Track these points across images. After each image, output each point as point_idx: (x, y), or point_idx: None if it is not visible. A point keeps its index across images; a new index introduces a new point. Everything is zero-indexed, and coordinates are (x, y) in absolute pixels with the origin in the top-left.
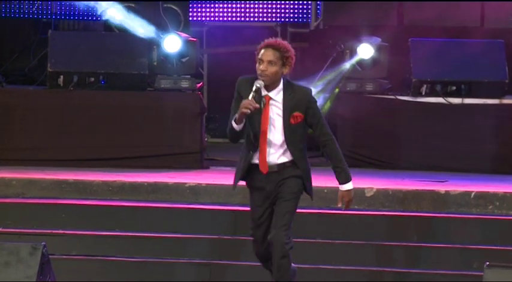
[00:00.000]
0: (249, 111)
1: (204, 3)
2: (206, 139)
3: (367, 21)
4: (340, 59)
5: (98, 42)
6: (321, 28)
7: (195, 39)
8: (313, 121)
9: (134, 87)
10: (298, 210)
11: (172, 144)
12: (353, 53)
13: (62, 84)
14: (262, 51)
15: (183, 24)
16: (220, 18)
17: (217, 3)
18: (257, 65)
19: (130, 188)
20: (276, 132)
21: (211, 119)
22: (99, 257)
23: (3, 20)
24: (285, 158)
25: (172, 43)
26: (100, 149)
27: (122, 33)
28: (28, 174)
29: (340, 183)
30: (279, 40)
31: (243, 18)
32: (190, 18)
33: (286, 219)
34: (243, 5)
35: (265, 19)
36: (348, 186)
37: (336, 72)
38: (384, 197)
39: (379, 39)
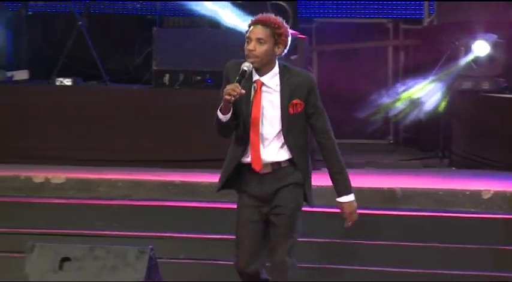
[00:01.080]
0: (232, 98)
1: None
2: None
3: (482, 17)
4: (455, 56)
5: (204, 39)
6: (435, 24)
7: (304, 37)
8: (312, 111)
9: None
10: (413, 213)
11: None
12: (468, 50)
13: (167, 83)
14: (251, 28)
15: (291, 21)
16: (330, 15)
17: None
18: (245, 45)
19: None
20: (268, 124)
21: None
22: (207, 261)
23: (107, 17)
24: (281, 156)
25: None
26: (207, 150)
27: (229, 31)
28: (134, 176)
29: (340, 195)
30: (270, 15)
31: (353, 15)
32: (299, 15)
33: (290, 243)
34: (353, 1)
35: (376, 15)
36: (350, 197)
37: (451, 70)
38: (501, 200)
39: (495, 36)
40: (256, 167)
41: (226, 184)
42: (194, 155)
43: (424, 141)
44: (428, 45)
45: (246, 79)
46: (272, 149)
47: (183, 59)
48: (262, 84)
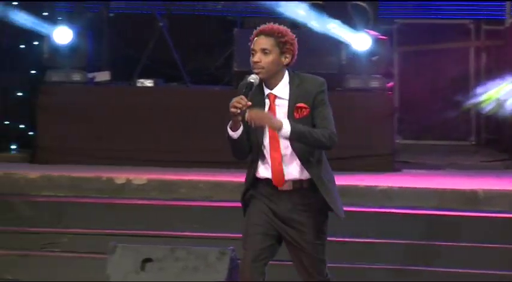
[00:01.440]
0: (238, 110)
1: None
2: (397, 141)
3: None
4: None
5: None
6: None
7: (385, 38)
8: (315, 112)
9: None
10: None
11: (362, 146)
12: None
13: None
14: (254, 40)
15: (371, 21)
16: (411, 16)
17: None
18: (250, 58)
19: None
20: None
21: (403, 119)
22: (288, 262)
23: (188, 17)
24: (302, 173)
25: (362, 41)
26: None
27: (310, 32)
28: (215, 177)
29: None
30: (273, 24)
31: (434, 15)
32: (380, 16)
33: (322, 266)
34: (435, 2)
35: (458, 16)
36: (286, 126)
37: None
38: None
39: None
40: (278, 184)
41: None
42: None
43: (506, 143)
44: (510, 46)
45: (254, 92)
46: (291, 165)
47: None
48: (275, 97)
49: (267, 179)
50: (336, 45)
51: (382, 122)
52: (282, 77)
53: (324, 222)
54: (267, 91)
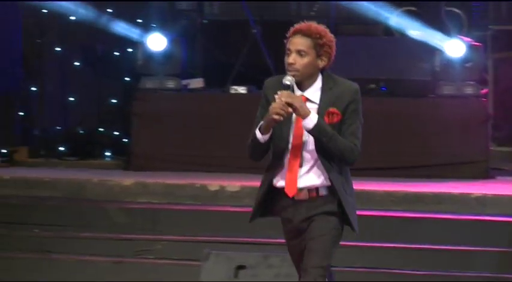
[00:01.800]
0: (281, 117)
1: (488, 5)
2: (492, 148)
3: None
4: None
5: (378, 47)
6: None
7: (479, 44)
8: (345, 123)
9: (416, 94)
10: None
11: (456, 153)
12: None
13: None
14: (290, 39)
15: (465, 28)
16: (506, 22)
17: (503, 4)
18: (285, 57)
19: (414, 199)
20: (311, 144)
21: (497, 126)
22: (383, 270)
23: (281, 24)
24: (319, 181)
25: (456, 48)
26: (380, 158)
27: (403, 38)
28: None
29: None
30: (312, 24)
31: None
32: (474, 22)
33: (323, 258)
34: None
35: None
36: (313, 117)
37: None
38: None
39: None
40: (290, 193)
41: (260, 212)
42: (367, 163)
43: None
44: None
45: None
46: (310, 173)
47: (357, 67)
48: (307, 99)
49: (281, 188)
50: (429, 51)
51: (476, 129)
52: (316, 79)
53: (338, 225)
54: (297, 92)
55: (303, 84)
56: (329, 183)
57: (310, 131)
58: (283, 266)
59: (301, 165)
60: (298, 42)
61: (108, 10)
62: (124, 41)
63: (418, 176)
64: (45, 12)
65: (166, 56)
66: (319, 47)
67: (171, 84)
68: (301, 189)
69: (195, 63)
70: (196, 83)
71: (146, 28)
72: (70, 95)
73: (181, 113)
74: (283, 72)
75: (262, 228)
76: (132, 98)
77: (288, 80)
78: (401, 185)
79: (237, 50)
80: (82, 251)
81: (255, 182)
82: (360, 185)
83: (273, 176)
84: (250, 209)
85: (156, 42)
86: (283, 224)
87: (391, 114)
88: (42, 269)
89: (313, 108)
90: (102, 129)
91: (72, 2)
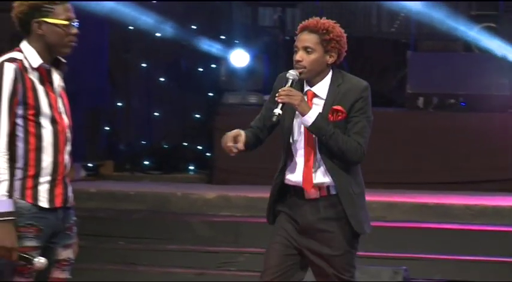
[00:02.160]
0: (286, 100)
1: None
2: None
3: None
4: None
5: (457, 63)
6: None
7: None
8: (351, 121)
9: (495, 109)
10: None
11: None
12: None
13: (421, 106)
14: (298, 36)
15: None
16: None
17: None
18: (294, 55)
19: (492, 212)
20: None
21: None
22: None
23: (363, 40)
24: (328, 179)
25: None
26: (459, 172)
27: (483, 54)
28: (389, 198)
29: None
30: (319, 19)
31: None
32: None
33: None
34: None
35: None
36: (313, 113)
37: None
38: None
39: None
40: (307, 187)
41: (274, 212)
42: (447, 177)
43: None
44: None
45: (294, 88)
46: (321, 169)
47: (437, 82)
48: (314, 95)
49: (294, 186)
50: (508, 67)
51: None
52: (325, 76)
53: (354, 235)
54: (306, 87)
55: (312, 81)
56: (333, 183)
57: (308, 129)
58: (363, 277)
59: (315, 158)
60: (304, 39)
61: (192, 27)
62: (208, 57)
63: (496, 190)
64: (131, 29)
65: (249, 71)
66: (326, 42)
67: (253, 99)
68: (315, 186)
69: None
70: None
71: (229, 44)
72: (155, 110)
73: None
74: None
75: None
76: (215, 113)
77: (291, 74)
78: (479, 199)
79: None
80: (166, 263)
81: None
82: (438, 199)
83: (284, 174)
84: None
85: (239, 58)
86: (282, 221)
87: (469, 129)
88: (127, 280)
89: (320, 104)
90: (186, 144)
91: (157, 18)
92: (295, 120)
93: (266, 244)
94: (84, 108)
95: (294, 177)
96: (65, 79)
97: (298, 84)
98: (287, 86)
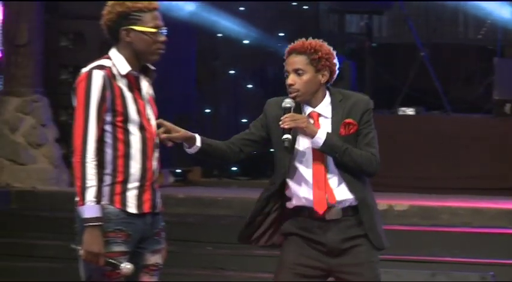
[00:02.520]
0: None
1: None
2: None
3: None
4: None
5: None
6: None
7: None
8: (361, 131)
9: None
10: None
11: None
12: None
13: (508, 112)
14: (287, 60)
15: None
16: None
17: None
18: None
19: None
20: (329, 160)
21: None
22: None
23: (449, 47)
24: (347, 196)
25: None
26: None
27: None
28: (475, 203)
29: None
30: (305, 40)
31: None
32: None
33: None
34: None
35: None
36: (322, 134)
37: None
38: None
39: None
40: (320, 209)
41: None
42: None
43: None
44: None
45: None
46: (337, 188)
47: None
48: (319, 115)
49: (307, 208)
50: None
51: None
52: (324, 95)
53: (377, 254)
54: (308, 110)
55: (311, 102)
56: (355, 198)
57: (320, 149)
58: None
59: (328, 179)
60: (293, 62)
61: (279, 34)
62: None
63: None
64: (219, 36)
65: (336, 78)
66: (315, 62)
67: None
68: (331, 208)
69: (364, 85)
70: None
71: None
72: (242, 117)
73: None
74: (452, 95)
75: (430, 247)
76: None
77: (287, 103)
78: None
79: (405, 73)
80: (254, 268)
81: (423, 202)
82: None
83: (285, 196)
84: (418, 228)
85: None
86: (295, 242)
87: None
88: None
89: (326, 123)
90: (273, 150)
91: (245, 26)
92: (297, 142)
93: None
94: (172, 114)
95: (303, 199)
96: (154, 86)
97: (298, 110)
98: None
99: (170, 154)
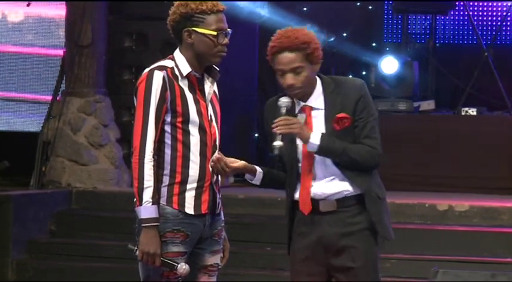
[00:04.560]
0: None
1: None
2: None
3: None
4: None
5: None
6: None
7: None
8: (357, 122)
9: None
10: None
11: None
12: None
13: None
14: (277, 58)
15: None
16: None
17: None
18: (278, 78)
19: None
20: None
21: None
22: None
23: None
24: (345, 187)
25: None
26: None
27: None
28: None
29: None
30: (290, 35)
31: None
32: None
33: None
34: None
35: None
36: (316, 137)
37: None
38: None
39: None
40: (305, 209)
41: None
42: None
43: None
44: None
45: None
46: (332, 181)
47: None
48: (311, 108)
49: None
50: None
51: None
52: (315, 85)
53: (376, 244)
54: (299, 104)
55: (304, 96)
56: (353, 189)
57: (317, 154)
58: None
59: (318, 174)
60: (289, 61)
61: (343, 34)
62: (358, 64)
63: None
64: None
65: (399, 78)
66: (310, 56)
67: (402, 106)
68: (325, 203)
69: (427, 85)
70: (427, 105)
71: (380, 51)
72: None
73: (413, 133)
74: None
75: (490, 247)
76: None
77: (284, 103)
78: None
79: (468, 73)
80: None
81: (484, 202)
82: None
83: (294, 189)
84: (479, 228)
85: (389, 65)
86: (297, 241)
87: None
88: None
89: (319, 115)
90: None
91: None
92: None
93: (413, 250)
94: (233, 114)
95: (296, 195)
96: (218, 87)
97: (292, 108)
98: (282, 115)
99: (230, 154)
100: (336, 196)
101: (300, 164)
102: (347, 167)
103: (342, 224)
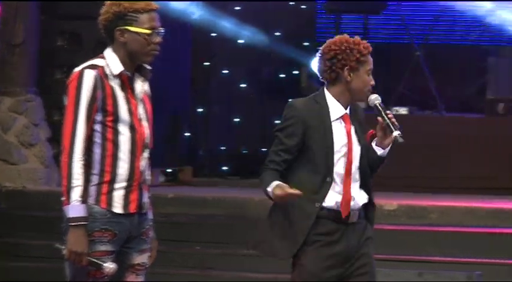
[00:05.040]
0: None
1: None
2: None
3: None
4: None
5: None
6: None
7: None
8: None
9: None
10: None
11: None
12: None
13: (501, 112)
14: (369, 59)
15: None
16: None
17: None
18: (366, 77)
19: None
20: (355, 160)
21: None
22: None
23: (443, 47)
24: (365, 199)
25: None
26: None
27: None
28: (466, 203)
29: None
30: (355, 39)
31: None
32: None
33: None
34: None
35: None
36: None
37: None
38: None
39: None
40: (344, 212)
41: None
42: None
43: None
44: None
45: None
46: (359, 191)
47: None
48: (348, 116)
49: (330, 210)
50: None
51: None
52: None
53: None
54: (340, 112)
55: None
56: (368, 199)
57: (384, 160)
58: None
59: (353, 182)
60: (371, 62)
61: (276, 34)
62: (290, 64)
63: None
64: (214, 36)
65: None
66: None
67: None
68: (353, 211)
69: None
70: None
71: (313, 51)
72: (235, 116)
73: None
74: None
75: (418, 246)
76: None
77: (377, 99)
78: None
79: (400, 72)
80: (243, 268)
81: (412, 201)
82: None
83: (321, 198)
84: (406, 227)
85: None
86: (321, 249)
87: None
88: None
89: (353, 128)
90: (265, 149)
91: (240, 25)
92: (335, 140)
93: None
94: (165, 114)
95: (333, 203)
96: (150, 86)
97: (325, 110)
98: (383, 110)
99: (162, 153)
100: (359, 206)
101: (335, 167)
102: (364, 172)
103: (359, 235)
